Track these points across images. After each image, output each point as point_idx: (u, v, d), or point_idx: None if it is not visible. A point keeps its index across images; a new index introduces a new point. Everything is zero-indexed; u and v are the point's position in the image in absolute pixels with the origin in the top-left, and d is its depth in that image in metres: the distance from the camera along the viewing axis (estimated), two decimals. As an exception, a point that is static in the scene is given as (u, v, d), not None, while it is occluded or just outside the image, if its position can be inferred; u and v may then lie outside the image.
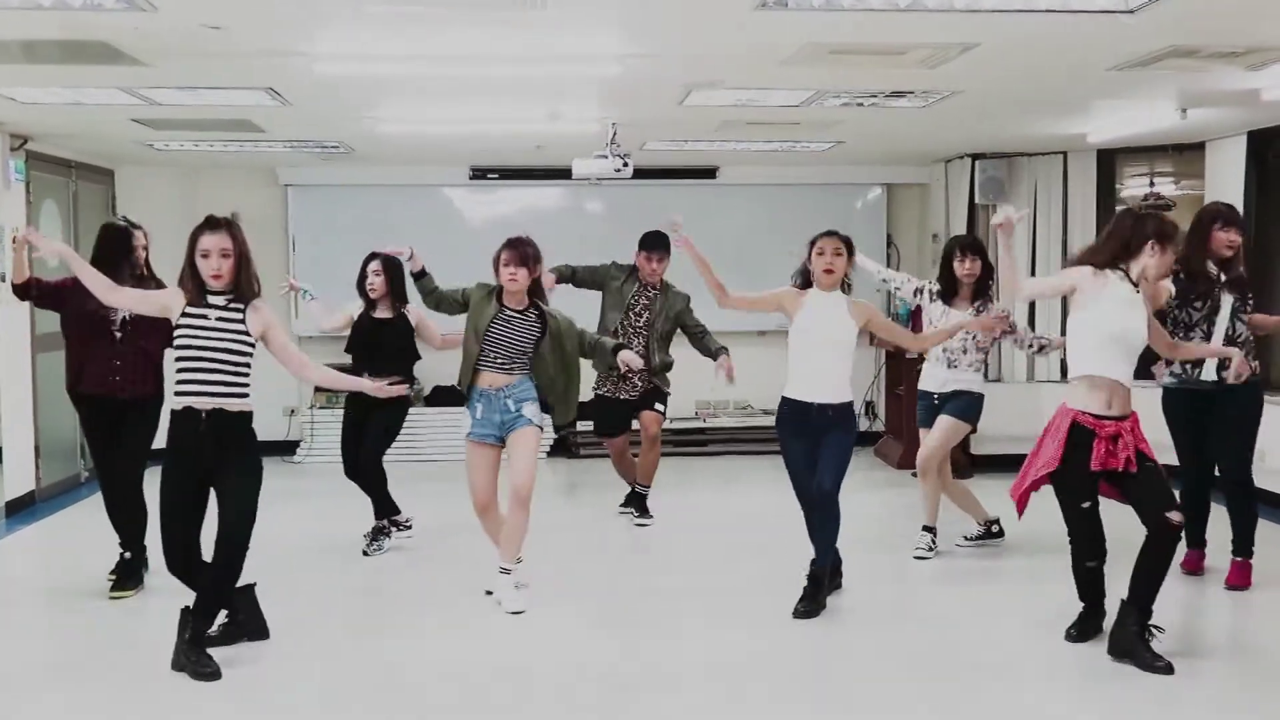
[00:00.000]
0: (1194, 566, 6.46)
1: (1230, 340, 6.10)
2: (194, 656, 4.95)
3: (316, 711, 4.69)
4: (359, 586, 6.56)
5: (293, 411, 10.67)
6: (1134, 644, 4.98)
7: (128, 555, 6.26)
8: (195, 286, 4.99)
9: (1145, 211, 5.37)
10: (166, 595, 6.01)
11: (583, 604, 6.08)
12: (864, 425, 11.09)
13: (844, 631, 5.61)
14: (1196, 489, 6.42)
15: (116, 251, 6.13)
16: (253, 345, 5.07)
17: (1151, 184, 9.84)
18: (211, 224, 5.01)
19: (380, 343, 7.13)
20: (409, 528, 7.36)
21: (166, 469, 5.08)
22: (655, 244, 7.87)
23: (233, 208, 10.51)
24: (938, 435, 6.83)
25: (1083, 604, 5.35)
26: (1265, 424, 8.07)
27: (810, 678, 5.04)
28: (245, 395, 5.06)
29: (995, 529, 7.12)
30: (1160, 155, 9.55)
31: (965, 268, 6.80)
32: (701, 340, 7.87)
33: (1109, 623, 5.20)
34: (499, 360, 5.94)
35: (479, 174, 10.83)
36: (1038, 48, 5.80)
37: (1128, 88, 6.76)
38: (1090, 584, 5.30)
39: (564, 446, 10.78)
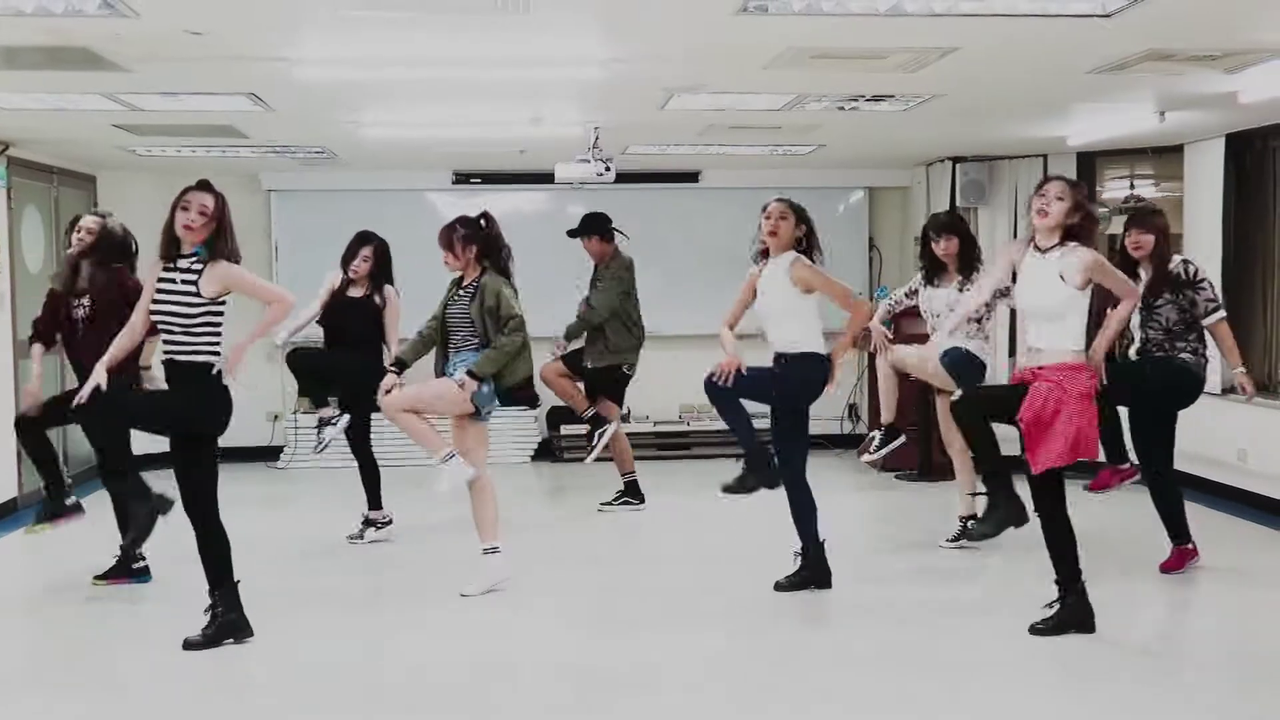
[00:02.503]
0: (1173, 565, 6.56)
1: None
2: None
3: (295, 712, 4.68)
4: (340, 588, 6.54)
5: (276, 417, 10.64)
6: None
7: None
8: (169, 243, 5.21)
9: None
10: (151, 602, 6.04)
11: (564, 604, 6.11)
12: (848, 428, 11.18)
13: (827, 631, 5.64)
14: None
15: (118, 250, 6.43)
16: (203, 304, 5.16)
17: (1132, 186, 9.89)
18: (200, 184, 5.26)
19: (344, 324, 7.41)
20: (388, 524, 7.48)
21: None
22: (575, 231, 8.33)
23: (215, 213, 10.59)
24: (920, 351, 7.05)
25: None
26: (1250, 425, 8.19)
27: (791, 676, 5.05)
28: (200, 350, 5.21)
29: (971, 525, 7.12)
30: (1140, 158, 9.60)
31: (942, 248, 7.00)
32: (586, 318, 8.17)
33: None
34: (455, 340, 6.27)
35: (462, 178, 10.82)
36: (1016, 51, 5.83)
37: (1106, 91, 6.80)
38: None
39: (549, 450, 10.79)
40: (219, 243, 5.21)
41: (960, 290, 6.90)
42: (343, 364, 7.38)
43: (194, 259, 5.20)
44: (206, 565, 5.30)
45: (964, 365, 6.76)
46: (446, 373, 6.25)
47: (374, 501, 7.51)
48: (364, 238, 7.56)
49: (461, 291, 6.30)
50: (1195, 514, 8.06)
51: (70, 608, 6.12)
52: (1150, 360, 6.40)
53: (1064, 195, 5.32)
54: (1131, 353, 6.52)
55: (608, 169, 7.86)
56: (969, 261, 7.02)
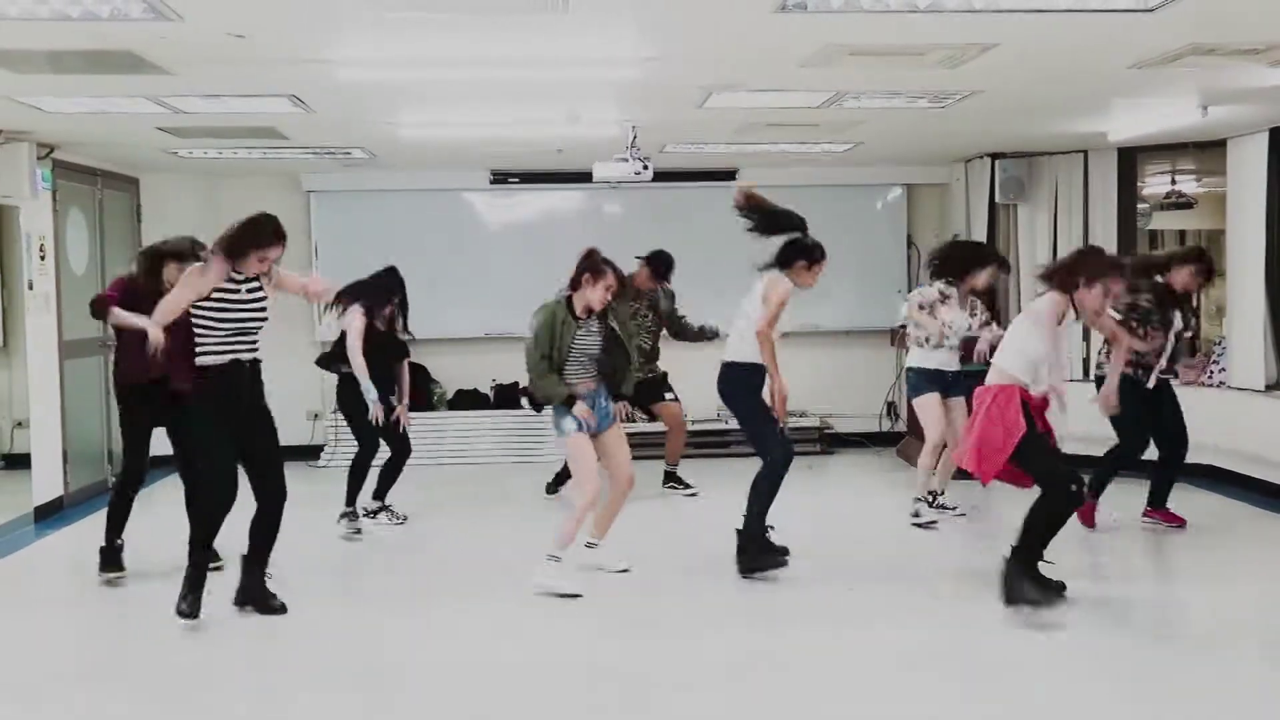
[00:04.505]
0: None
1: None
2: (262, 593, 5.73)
3: (325, 707, 4.73)
4: (379, 587, 6.61)
5: (316, 416, 10.72)
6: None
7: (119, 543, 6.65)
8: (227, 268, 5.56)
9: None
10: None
11: (600, 603, 6.11)
12: (885, 426, 11.16)
13: (862, 630, 5.62)
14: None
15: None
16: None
17: (1173, 181, 9.82)
18: (281, 235, 5.64)
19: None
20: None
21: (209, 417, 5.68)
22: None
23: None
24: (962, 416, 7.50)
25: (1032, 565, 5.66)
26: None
27: (824, 675, 5.04)
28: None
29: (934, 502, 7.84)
30: (1181, 153, 9.50)
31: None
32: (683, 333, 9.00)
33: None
34: (589, 368, 6.31)
35: (499, 178, 10.88)
36: (1057, 47, 5.80)
37: (1148, 85, 6.74)
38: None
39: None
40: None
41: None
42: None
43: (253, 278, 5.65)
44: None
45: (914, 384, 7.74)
46: (601, 407, 6.33)
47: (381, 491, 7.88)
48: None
49: (587, 323, 6.26)
50: (1235, 510, 8.07)
51: (116, 604, 6.22)
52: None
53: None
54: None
55: (645, 168, 7.87)
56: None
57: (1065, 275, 5.73)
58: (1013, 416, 5.53)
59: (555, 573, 6.09)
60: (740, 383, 6.50)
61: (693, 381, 8.69)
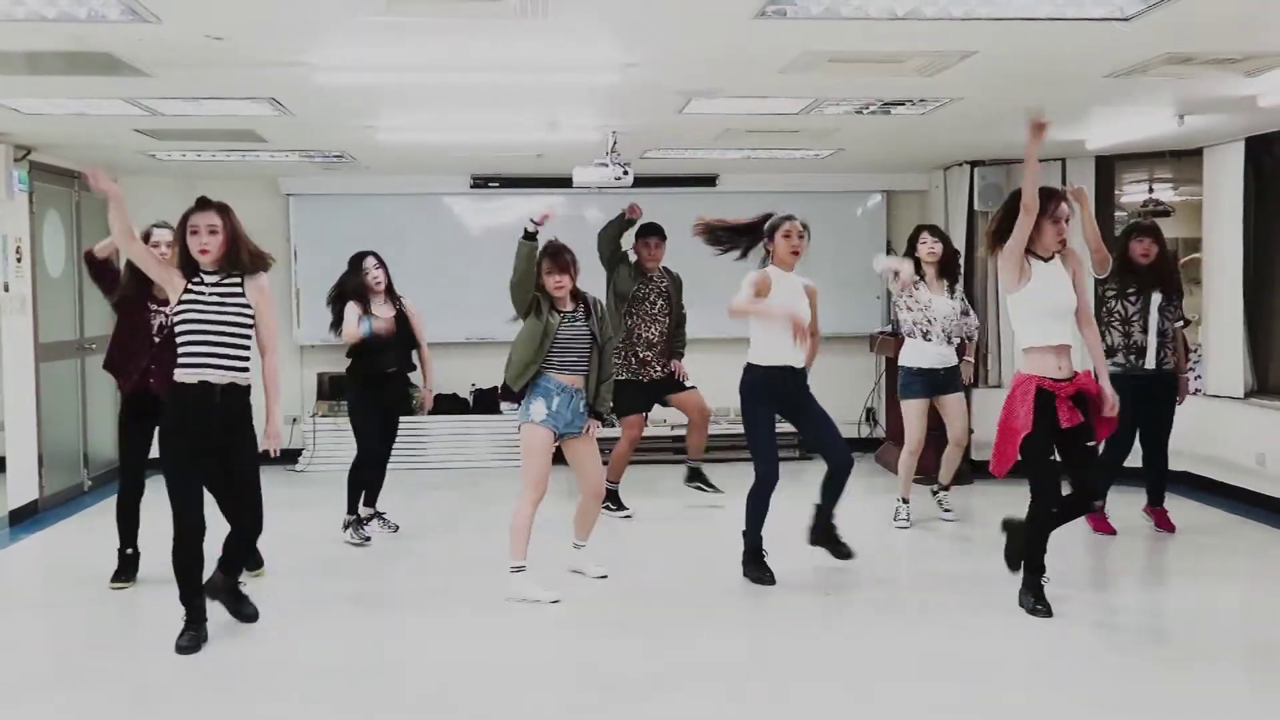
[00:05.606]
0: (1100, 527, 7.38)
1: (1159, 334, 7.25)
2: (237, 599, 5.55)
3: (316, 715, 4.71)
4: (362, 591, 6.57)
5: (295, 420, 10.69)
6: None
7: (129, 552, 6.48)
8: (188, 266, 5.28)
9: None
10: (165, 601, 6.06)
11: (586, 606, 6.11)
12: (864, 432, 11.17)
13: (848, 633, 5.64)
14: (1121, 457, 7.31)
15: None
16: (252, 318, 5.35)
17: (1150, 190, 9.86)
18: (200, 204, 5.33)
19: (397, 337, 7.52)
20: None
21: (174, 443, 5.27)
22: (654, 229, 8.32)
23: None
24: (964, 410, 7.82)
25: (1030, 573, 5.65)
26: (1269, 429, 8.19)
27: (810, 678, 5.05)
28: (248, 369, 5.35)
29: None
30: (1159, 161, 9.56)
31: (928, 249, 7.75)
32: (680, 328, 8.46)
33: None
34: (570, 363, 6.20)
35: (480, 182, 10.86)
36: (1035, 55, 5.83)
37: (1125, 94, 6.79)
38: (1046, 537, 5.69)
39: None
40: (243, 255, 5.32)
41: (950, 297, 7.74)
42: None
43: (223, 275, 5.31)
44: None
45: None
46: (574, 405, 6.18)
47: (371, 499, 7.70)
48: (362, 255, 7.63)
49: (570, 316, 6.24)
50: (1213, 517, 8.11)
51: (91, 609, 6.17)
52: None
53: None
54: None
55: (625, 173, 7.87)
56: (950, 270, 7.83)
57: (999, 233, 5.60)
58: (1025, 412, 5.45)
59: (524, 582, 6.08)
60: (743, 385, 6.46)
61: (709, 380, 8.68)
